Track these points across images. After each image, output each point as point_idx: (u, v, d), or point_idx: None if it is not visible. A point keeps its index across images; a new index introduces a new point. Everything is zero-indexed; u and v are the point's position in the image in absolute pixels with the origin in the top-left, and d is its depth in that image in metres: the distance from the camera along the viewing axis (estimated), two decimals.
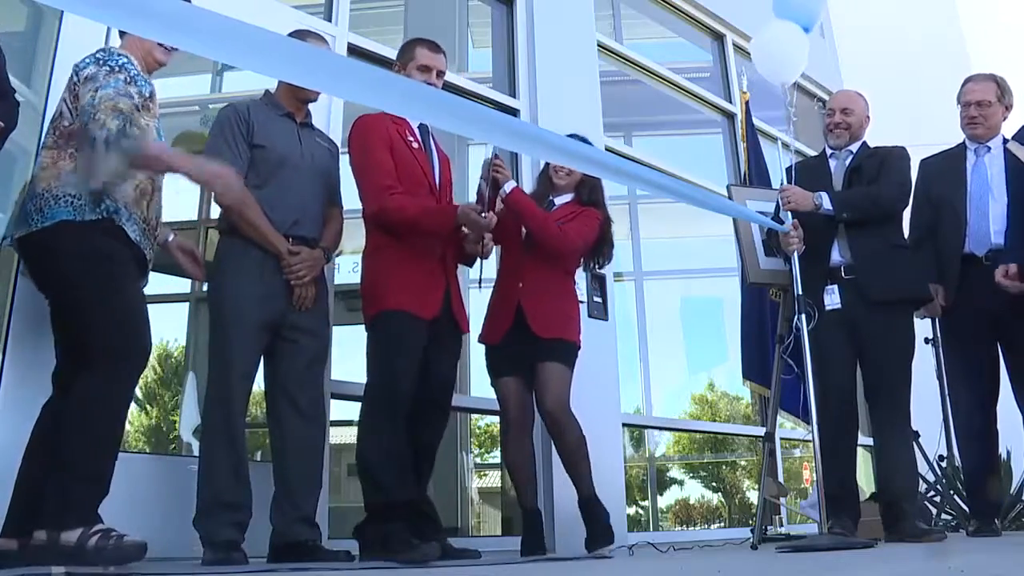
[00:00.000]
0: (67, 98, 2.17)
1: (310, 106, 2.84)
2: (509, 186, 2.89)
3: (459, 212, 2.69)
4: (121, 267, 2.11)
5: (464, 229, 2.81)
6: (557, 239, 2.98)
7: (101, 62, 2.15)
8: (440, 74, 2.88)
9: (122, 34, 2.37)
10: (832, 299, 3.16)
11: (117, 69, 2.15)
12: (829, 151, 3.42)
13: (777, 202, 3.28)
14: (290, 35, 2.53)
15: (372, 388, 2.65)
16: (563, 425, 2.93)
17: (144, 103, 2.21)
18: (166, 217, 2.40)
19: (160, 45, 2.30)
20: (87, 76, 2.12)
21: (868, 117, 3.42)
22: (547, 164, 3.24)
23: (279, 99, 2.75)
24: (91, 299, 2.05)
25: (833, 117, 3.38)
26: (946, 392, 3.77)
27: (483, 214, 2.73)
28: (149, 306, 2.22)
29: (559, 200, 3.16)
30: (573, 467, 2.95)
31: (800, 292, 3.02)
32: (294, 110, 2.74)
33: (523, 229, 3.02)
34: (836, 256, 3.19)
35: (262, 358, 2.60)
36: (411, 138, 2.79)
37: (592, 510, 2.92)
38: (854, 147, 3.37)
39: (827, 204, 3.12)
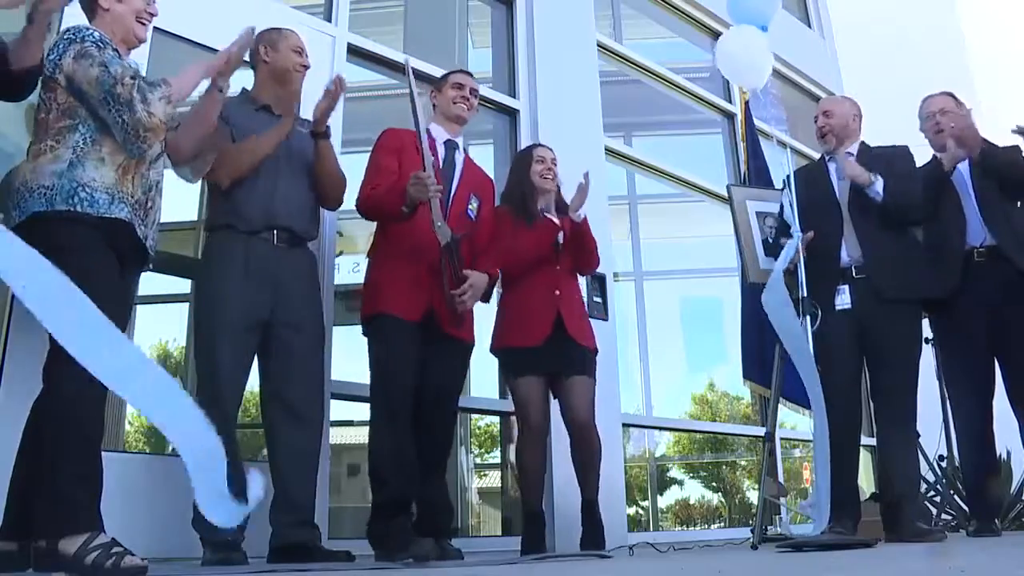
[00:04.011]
0: (39, 91, 2.12)
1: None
2: (583, 212, 3.06)
3: (407, 187, 2.64)
4: (87, 259, 2.00)
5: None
6: (598, 258, 3.25)
7: (81, 39, 2.08)
8: (474, 92, 3.06)
9: (91, 16, 2.25)
10: (842, 299, 3.16)
11: (102, 44, 2.10)
12: (827, 156, 3.43)
13: (781, 204, 3.29)
14: None
15: (372, 389, 2.74)
16: (591, 438, 3.06)
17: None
18: (165, 217, 2.39)
19: (138, 21, 2.25)
20: (79, 54, 2.06)
21: (856, 116, 3.43)
22: (522, 165, 3.24)
23: (256, 94, 2.75)
24: None
25: (816, 122, 3.43)
26: (946, 392, 3.76)
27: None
28: (149, 306, 2.21)
29: (549, 209, 3.19)
30: (588, 473, 3.07)
31: (805, 294, 3.02)
32: (273, 103, 2.73)
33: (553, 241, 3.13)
34: (844, 255, 3.20)
35: (255, 358, 2.59)
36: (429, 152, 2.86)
37: (593, 514, 3.06)
38: (852, 148, 3.37)
39: (879, 187, 3.15)
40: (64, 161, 2.04)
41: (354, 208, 2.88)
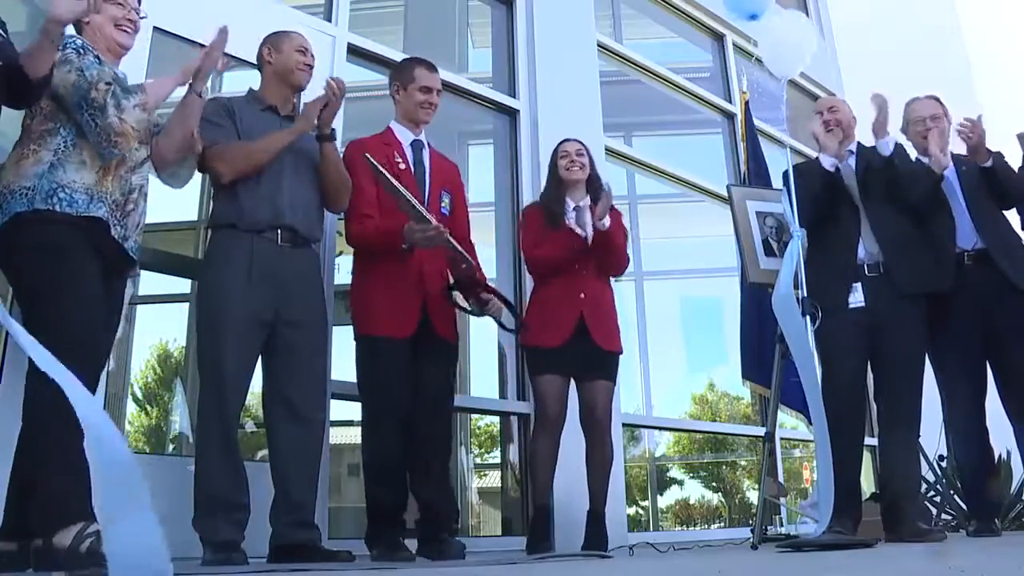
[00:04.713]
0: None
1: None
2: (607, 222, 3.06)
3: (404, 234, 2.69)
4: (70, 260, 2.03)
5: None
6: (626, 263, 3.26)
7: (62, 46, 2.10)
8: (438, 92, 3.04)
9: (78, 29, 2.27)
10: (855, 297, 3.16)
11: (83, 51, 2.13)
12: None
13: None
14: None
15: (361, 403, 2.84)
16: (606, 441, 3.11)
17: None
18: (165, 217, 2.39)
19: (118, 27, 2.28)
20: (59, 60, 2.07)
21: (855, 118, 3.46)
22: (551, 165, 3.31)
23: (263, 94, 2.76)
24: (36, 295, 2.01)
25: (823, 117, 3.41)
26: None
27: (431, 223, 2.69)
28: (149, 306, 2.21)
29: (582, 202, 3.20)
30: (600, 479, 3.11)
31: (805, 294, 3.02)
32: (279, 103, 2.73)
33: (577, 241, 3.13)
34: (860, 252, 3.20)
35: (259, 357, 2.59)
36: (399, 159, 2.88)
37: (598, 524, 3.09)
38: (852, 147, 3.38)
39: (889, 141, 3.20)
40: (45, 163, 2.07)
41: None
